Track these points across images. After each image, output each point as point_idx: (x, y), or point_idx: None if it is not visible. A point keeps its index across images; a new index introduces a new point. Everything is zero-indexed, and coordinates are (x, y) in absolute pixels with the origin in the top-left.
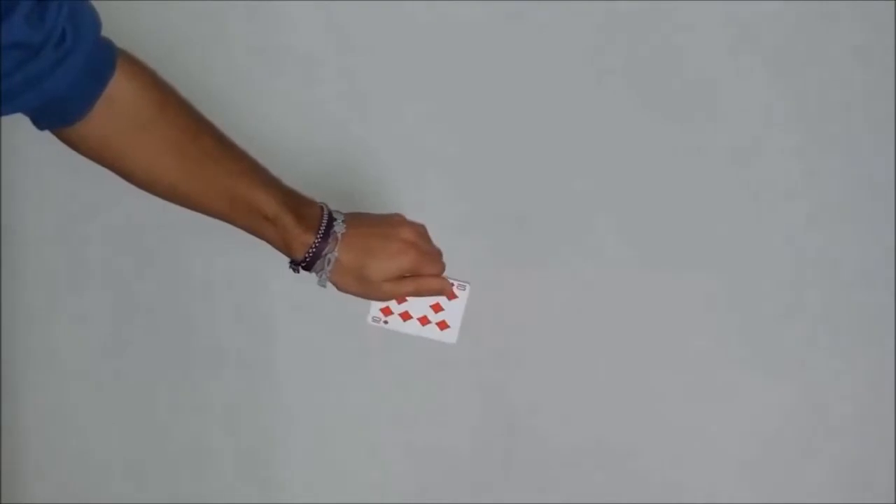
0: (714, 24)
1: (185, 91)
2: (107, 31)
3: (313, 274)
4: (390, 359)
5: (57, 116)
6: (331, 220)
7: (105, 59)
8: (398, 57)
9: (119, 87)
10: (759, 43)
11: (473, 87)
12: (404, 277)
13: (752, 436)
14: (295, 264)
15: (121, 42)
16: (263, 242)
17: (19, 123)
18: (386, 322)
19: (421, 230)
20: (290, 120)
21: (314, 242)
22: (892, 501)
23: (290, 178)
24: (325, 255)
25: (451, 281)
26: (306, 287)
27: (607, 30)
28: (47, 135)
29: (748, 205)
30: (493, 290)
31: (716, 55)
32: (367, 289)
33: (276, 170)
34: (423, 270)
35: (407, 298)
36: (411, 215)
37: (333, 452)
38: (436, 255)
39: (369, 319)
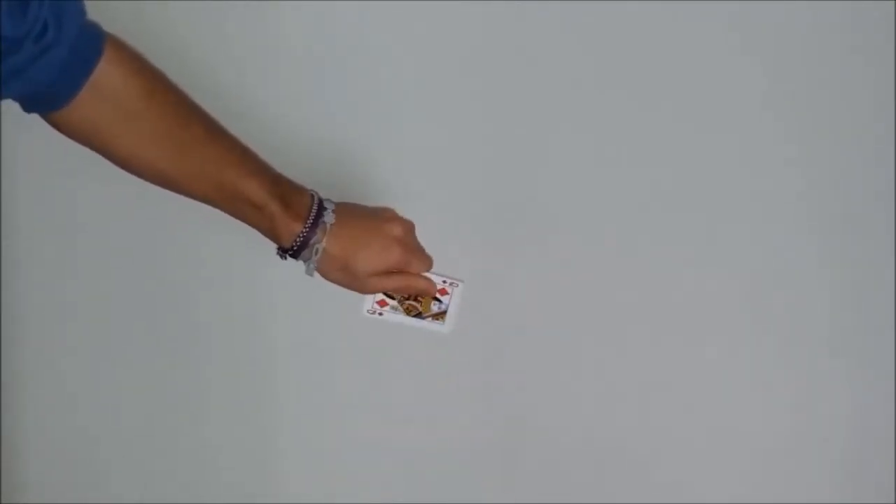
0: (714, 25)
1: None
2: (104, 27)
3: (301, 262)
4: (390, 358)
5: (43, 102)
6: (321, 209)
7: (91, 47)
8: (397, 56)
9: (106, 74)
10: (759, 43)
11: (472, 85)
12: (391, 273)
13: (753, 436)
14: (282, 251)
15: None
16: (264, 239)
17: (19, 124)
18: (381, 314)
19: (410, 226)
20: (286, 117)
21: (302, 231)
22: (893, 501)
23: (285, 172)
24: (313, 244)
25: (445, 279)
26: (306, 285)
27: (607, 29)
28: (46, 134)
29: (746, 205)
30: (493, 289)
31: (716, 56)
32: (352, 281)
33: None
34: (410, 267)
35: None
36: (409, 213)
37: (333, 452)
38: (423, 253)
39: (364, 311)
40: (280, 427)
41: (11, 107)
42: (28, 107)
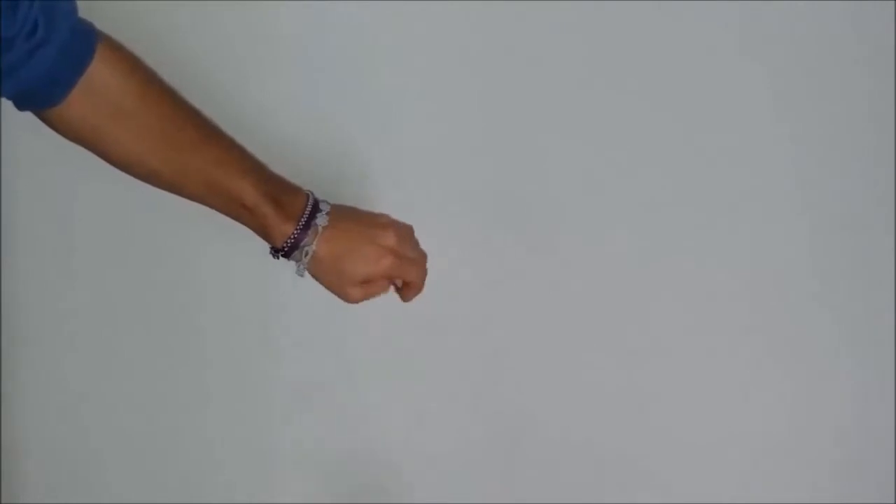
0: (715, 25)
1: (176, 87)
2: (101, 26)
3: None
4: (390, 359)
5: (36, 100)
6: (314, 210)
7: (83, 46)
8: (397, 56)
9: (98, 73)
10: (761, 44)
11: (474, 85)
12: (374, 282)
13: (753, 436)
14: (275, 251)
15: (115, 37)
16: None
17: (19, 124)
18: None
19: (405, 233)
20: (283, 116)
21: (293, 233)
22: (892, 502)
23: (282, 172)
24: (303, 246)
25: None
26: (307, 286)
27: (609, 30)
28: (46, 134)
29: (747, 205)
30: (494, 291)
31: (719, 56)
32: (340, 286)
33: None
34: (402, 277)
35: None
36: (409, 214)
37: (333, 453)
38: (416, 262)
39: None
40: (280, 428)
41: (12, 107)
42: (21, 105)
